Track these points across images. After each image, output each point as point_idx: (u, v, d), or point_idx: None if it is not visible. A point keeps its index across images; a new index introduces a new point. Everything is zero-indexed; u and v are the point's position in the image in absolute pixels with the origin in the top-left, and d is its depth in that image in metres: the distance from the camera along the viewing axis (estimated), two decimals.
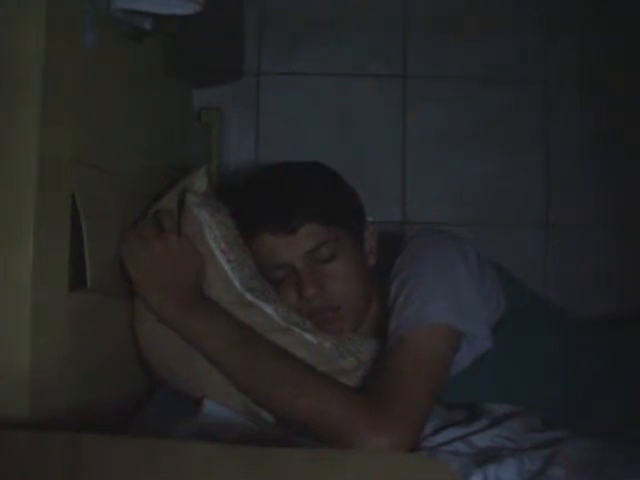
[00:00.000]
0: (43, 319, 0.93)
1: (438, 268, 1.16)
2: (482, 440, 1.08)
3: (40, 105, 0.91)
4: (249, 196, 1.28)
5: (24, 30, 0.91)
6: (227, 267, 1.19)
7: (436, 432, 1.10)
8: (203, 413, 1.16)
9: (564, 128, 1.86)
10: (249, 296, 1.18)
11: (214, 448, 0.82)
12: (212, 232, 1.20)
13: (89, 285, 1.05)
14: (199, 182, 1.25)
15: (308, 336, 1.17)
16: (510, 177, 1.85)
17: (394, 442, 0.99)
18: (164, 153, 1.40)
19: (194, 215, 1.20)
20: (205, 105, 1.79)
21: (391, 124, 1.86)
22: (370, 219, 1.38)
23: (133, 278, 1.14)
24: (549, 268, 1.84)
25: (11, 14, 0.90)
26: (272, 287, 1.23)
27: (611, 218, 1.85)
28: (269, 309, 1.18)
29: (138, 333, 1.22)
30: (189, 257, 1.16)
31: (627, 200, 1.84)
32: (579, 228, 1.85)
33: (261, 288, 1.20)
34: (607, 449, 1.07)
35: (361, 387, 1.12)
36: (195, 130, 1.73)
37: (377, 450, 0.98)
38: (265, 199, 1.24)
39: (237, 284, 1.19)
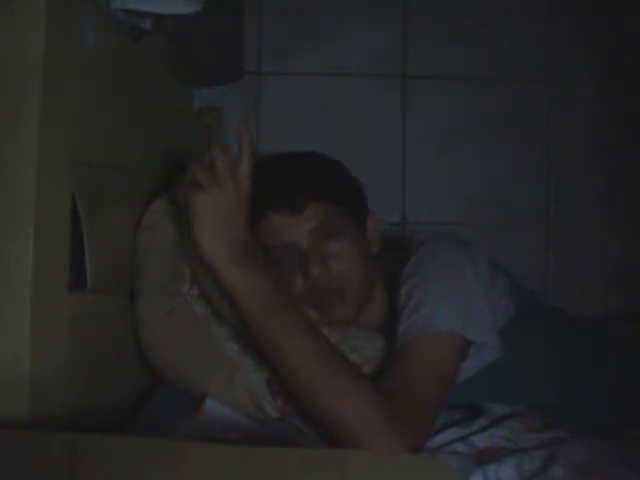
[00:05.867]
0: (43, 319, 0.93)
1: (450, 276, 1.16)
2: (482, 440, 1.08)
3: (40, 105, 0.91)
4: (254, 180, 1.28)
5: (24, 30, 0.91)
6: None
7: (437, 432, 1.10)
8: (204, 412, 1.16)
9: (564, 128, 1.85)
10: None
11: (214, 448, 0.82)
12: None
13: (89, 285, 1.05)
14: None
15: None
16: (510, 177, 1.85)
17: (406, 444, 0.99)
18: (164, 153, 1.40)
19: None
20: (205, 105, 1.79)
21: (391, 124, 1.86)
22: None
23: (190, 223, 1.10)
24: (549, 268, 1.84)
25: (11, 14, 0.91)
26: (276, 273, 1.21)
27: (611, 218, 1.85)
28: None
29: (140, 333, 1.22)
30: (243, 206, 1.11)
31: (627, 200, 1.84)
32: (579, 228, 1.85)
33: None
34: (607, 449, 1.07)
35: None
36: (195, 130, 1.73)
37: (388, 451, 0.98)
38: (271, 181, 1.23)
39: None
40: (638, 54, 1.83)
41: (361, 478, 0.79)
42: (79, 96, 1.01)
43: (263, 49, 1.85)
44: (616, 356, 1.30)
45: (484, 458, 1.02)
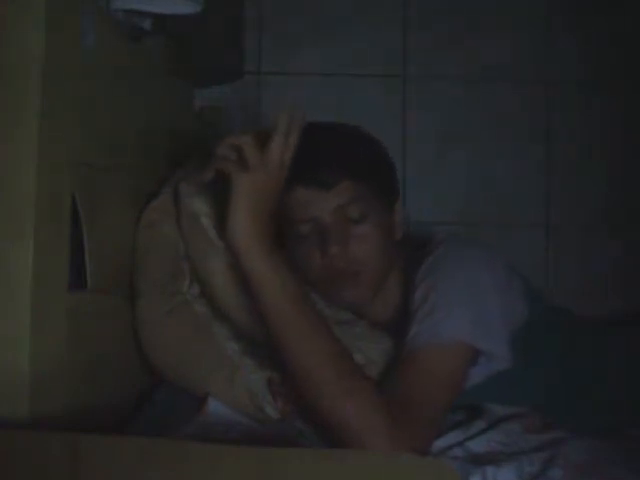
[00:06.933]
0: (43, 319, 0.93)
1: (466, 283, 1.14)
2: (479, 446, 1.07)
3: (40, 105, 0.91)
4: None
5: (24, 30, 0.91)
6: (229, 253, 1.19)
7: (437, 436, 1.10)
8: (207, 412, 1.16)
9: (564, 128, 1.85)
10: None
11: (214, 448, 0.82)
12: (210, 220, 1.19)
13: (89, 285, 1.05)
14: (193, 173, 1.25)
15: None
16: (510, 177, 1.85)
17: (407, 449, 0.98)
18: (164, 153, 1.40)
19: (187, 206, 1.20)
20: (205, 105, 1.79)
21: (391, 124, 1.86)
22: None
23: (229, 201, 1.07)
24: (549, 268, 1.84)
25: (11, 14, 0.91)
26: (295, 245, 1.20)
27: (611, 218, 1.85)
28: None
29: (140, 333, 1.22)
30: (278, 193, 1.10)
31: (627, 200, 1.84)
32: (579, 228, 1.85)
33: None
34: (607, 449, 1.07)
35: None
36: (195, 130, 1.73)
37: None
38: (302, 152, 1.18)
39: None
40: (638, 54, 1.83)
41: (361, 478, 0.79)
42: (79, 96, 1.01)
43: (263, 49, 1.85)
44: (616, 356, 1.30)
45: (483, 462, 1.02)
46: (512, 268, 1.26)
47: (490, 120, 1.85)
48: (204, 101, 1.79)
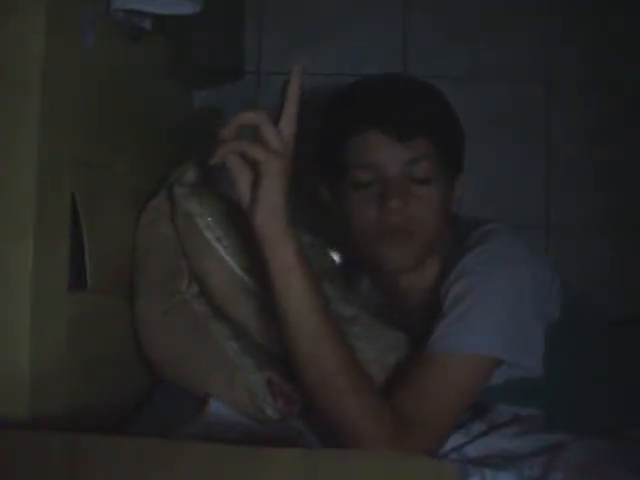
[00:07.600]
0: (43, 319, 0.93)
1: (506, 292, 1.10)
2: (478, 450, 1.07)
3: (40, 105, 0.91)
4: (368, 90, 1.22)
5: (24, 30, 0.91)
6: (224, 253, 1.19)
7: None
8: (208, 413, 1.16)
9: (564, 128, 1.85)
10: (249, 281, 1.19)
11: (214, 448, 0.82)
12: (204, 220, 1.20)
13: (89, 285, 1.05)
14: (188, 174, 1.26)
15: None
16: (510, 177, 1.85)
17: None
18: (164, 153, 1.40)
19: (182, 208, 1.20)
20: (206, 105, 1.79)
21: None
22: None
23: (259, 188, 1.00)
24: None
25: (11, 14, 0.91)
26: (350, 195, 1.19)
27: (611, 218, 1.85)
28: None
29: (140, 332, 1.22)
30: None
31: (627, 200, 1.84)
32: (579, 228, 1.85)
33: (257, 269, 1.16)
34: (607, 449, 1.07)
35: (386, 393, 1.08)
36: (195, 130, 1.73)
37: None
38: (388, 99, 1.17)
39: (238, 271, 1.19)
40: (638, 54, 1.83)
41: (361, 478, 0.79)
42: (79, 96, 1.01)
43: (263, 49, 1.85)
44: (616, 356, 1.30)
45: (481, 465, 1.02)
46: (551, 266, 1.23)
47: (490, 120, 1.85)
48: (204, 101, 1.79)
